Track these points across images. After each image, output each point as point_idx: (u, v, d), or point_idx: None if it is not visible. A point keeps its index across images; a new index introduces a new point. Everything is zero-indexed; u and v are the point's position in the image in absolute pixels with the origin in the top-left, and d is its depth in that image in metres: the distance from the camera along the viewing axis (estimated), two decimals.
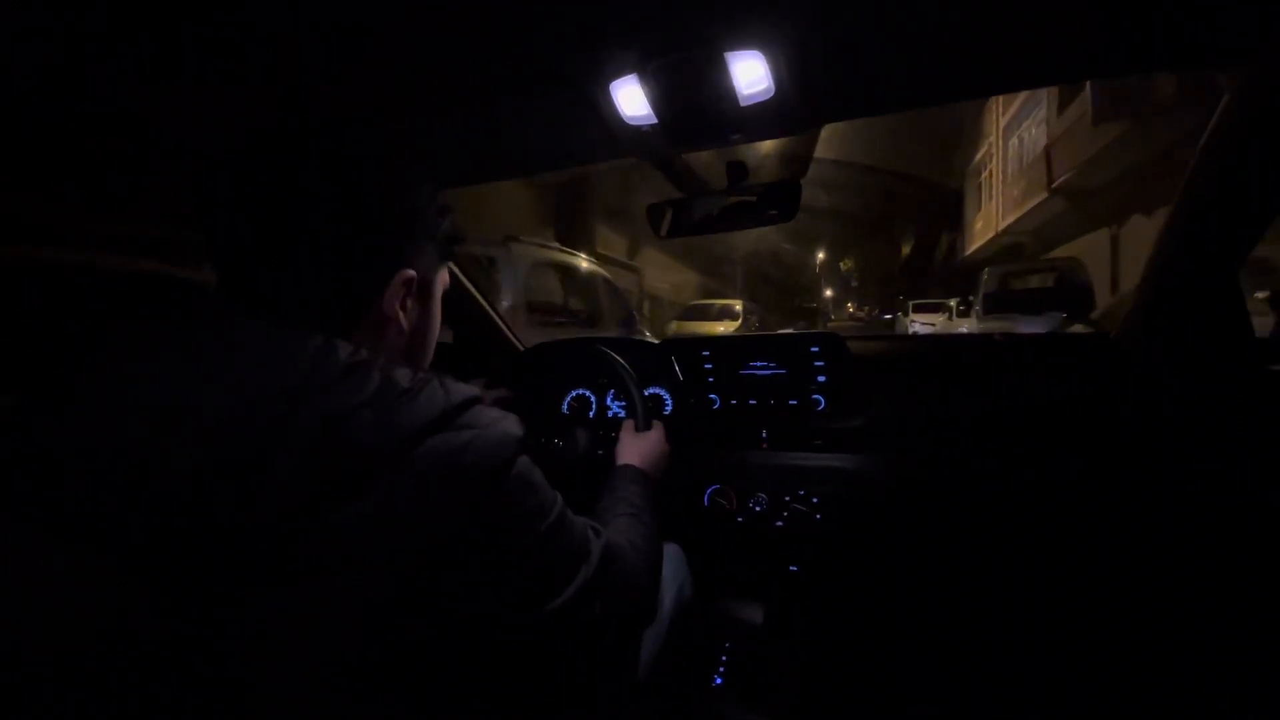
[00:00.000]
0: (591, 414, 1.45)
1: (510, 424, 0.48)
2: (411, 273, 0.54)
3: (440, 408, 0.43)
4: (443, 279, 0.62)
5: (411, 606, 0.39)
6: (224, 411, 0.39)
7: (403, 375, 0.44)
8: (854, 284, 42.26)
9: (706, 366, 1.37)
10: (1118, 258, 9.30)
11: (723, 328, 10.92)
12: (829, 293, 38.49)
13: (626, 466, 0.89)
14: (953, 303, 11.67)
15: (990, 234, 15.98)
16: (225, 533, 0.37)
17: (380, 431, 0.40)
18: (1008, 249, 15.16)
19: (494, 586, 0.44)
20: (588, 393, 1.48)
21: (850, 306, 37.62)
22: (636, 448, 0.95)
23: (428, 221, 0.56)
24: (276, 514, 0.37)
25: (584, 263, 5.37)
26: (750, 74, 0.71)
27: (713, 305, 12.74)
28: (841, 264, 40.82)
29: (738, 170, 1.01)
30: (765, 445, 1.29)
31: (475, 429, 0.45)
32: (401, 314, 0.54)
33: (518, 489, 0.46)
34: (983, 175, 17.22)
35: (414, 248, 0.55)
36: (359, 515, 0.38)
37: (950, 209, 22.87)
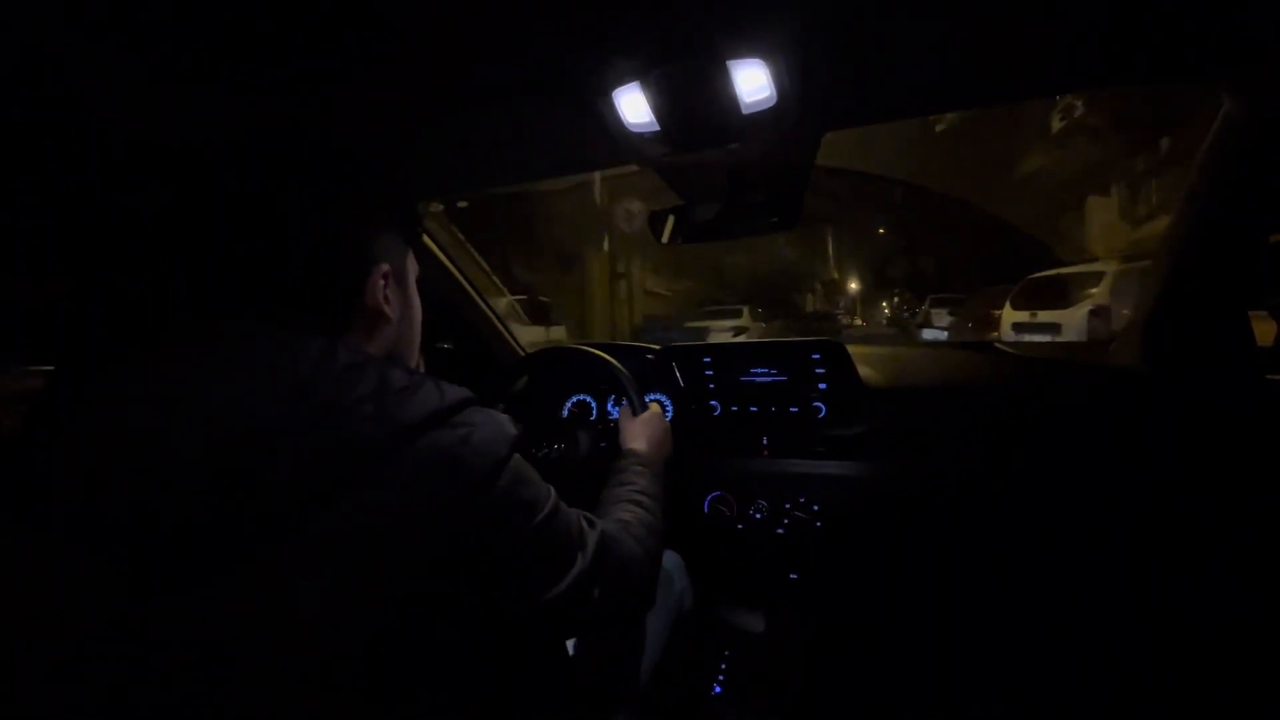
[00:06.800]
0: (593, 418, 1.45)
1: (505, 422, 0.50)
2: (387, 266, 0.56)
3: (436, 405, 0.45)
4: (412, 266, 0.65)
5: (410, 600, 0.40)
6: (228, 410, 0.39)
7: (399, 376, 0.46)
8: (882, 230, 15.07)
9: (707, 374, 1.37)
10: None
11: None
12: (853, 285, 21.88)
13: (629, 453, 0.90)
14: None
15: None
16: (231, 530, 0.37)
17: (379, 425, 0.41)
18: None
19: (491, 579, 0.45)
20: (588, 398, 1.48)
21: (885, 306, 18.72)
22: (637, 430, 0.97)
23: (392, 215, 0.60)
24: (279, 509, 0.38)
25: None
26: (752, 81, 0.71)
27: None
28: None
29: (739, 177, 1.02)
30: (766, 452, 1.29)
31: (471, 426, 0.46)
32: (386, 306, 0.56)
33: (512, 484, 0.47)
34: None
35: (384, 241, 0.58)
36: (358, 508, 0.39)
37: None
